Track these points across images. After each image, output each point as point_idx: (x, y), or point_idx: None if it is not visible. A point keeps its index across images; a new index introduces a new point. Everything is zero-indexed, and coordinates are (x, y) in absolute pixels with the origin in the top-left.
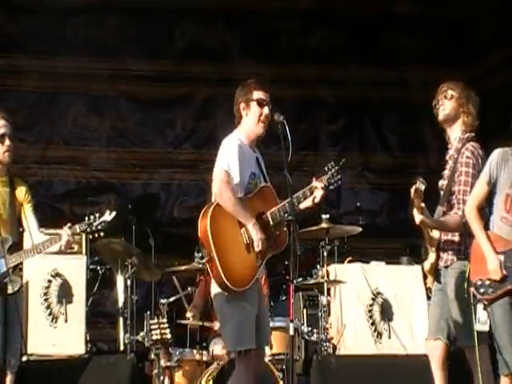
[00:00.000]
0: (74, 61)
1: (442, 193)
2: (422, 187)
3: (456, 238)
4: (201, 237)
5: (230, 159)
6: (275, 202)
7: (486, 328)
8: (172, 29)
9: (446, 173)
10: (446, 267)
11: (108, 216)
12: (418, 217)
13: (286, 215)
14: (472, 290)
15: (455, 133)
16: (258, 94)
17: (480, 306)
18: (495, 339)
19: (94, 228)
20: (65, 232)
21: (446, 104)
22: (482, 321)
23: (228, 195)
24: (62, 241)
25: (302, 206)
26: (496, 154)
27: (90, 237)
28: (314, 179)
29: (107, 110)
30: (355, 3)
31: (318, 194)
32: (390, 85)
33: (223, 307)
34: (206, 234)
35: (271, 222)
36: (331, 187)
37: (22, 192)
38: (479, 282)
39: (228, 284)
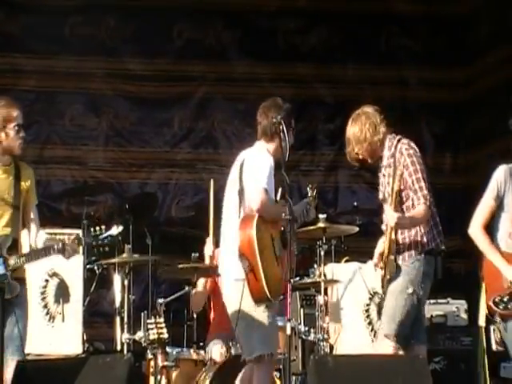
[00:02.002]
0: (72, 60)
1: (388, 201)
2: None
3: (412, 233)
4: (243, 247)
5: (269, 178)
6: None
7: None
8: (170, 28)
9: (386, 180)
10: (399, 266)
11: (115, 230)
12: (394, 215)
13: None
14: (491, 306)
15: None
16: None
17: (491, 327)
18: (510, 353)
19: (99, 242)
20: (69, 246)
21: (363, 157)
22: (498, 342)
23: (270, 208)
24: (65, 255)
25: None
26: (501, 170)
27: (95, 251)
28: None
29: (105, 109)
30: (353, 2)
31: (312, 213)
32: (388, 84)
33: (250, 312)
34: (251, 245)
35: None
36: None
37: (27, 180)
38: (498, 298)
39: (268, 295)
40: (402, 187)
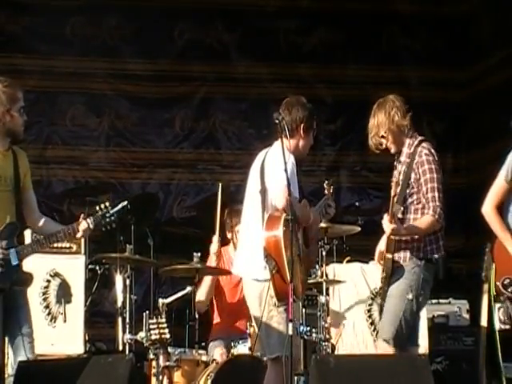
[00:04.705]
0: (73, 60)
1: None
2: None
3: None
4: (270, 248)
5: (291, 176)
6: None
7: (507, 327)
8: (171, 28)
9: (400, 178)
10: (398, 267)
11: (121, 205)
12: (389, 226)
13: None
14: (499, 287)
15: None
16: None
17: (497, 305)
18: None
19: (107, 220)
20: (81, 229)
21: (387, 143)
22: (502, 320)
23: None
24: (78, 235)
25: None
26: None
27: (103, 229)
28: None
29: (106, 109)
30: (354, 2)
31: (331, 211)
32: (388, 84)
33: (271, 313)
34: (277, 246)
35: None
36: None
37: (24, 165)
38: (507, 281)
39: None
40: (415, 190)
